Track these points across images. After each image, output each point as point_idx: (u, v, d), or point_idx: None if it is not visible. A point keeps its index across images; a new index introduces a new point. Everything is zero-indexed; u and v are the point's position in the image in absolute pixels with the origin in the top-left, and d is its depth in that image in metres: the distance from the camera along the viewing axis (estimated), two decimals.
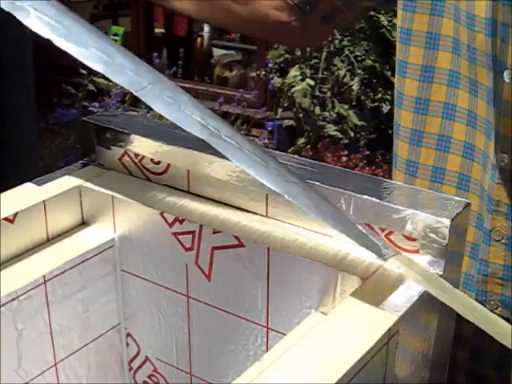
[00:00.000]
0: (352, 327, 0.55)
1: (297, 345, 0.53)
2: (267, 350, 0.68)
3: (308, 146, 3.37)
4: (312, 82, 3.33)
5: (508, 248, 0.77)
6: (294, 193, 0.57)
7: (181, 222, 0.70)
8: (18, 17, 0.55)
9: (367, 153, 3.36)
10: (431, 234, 0.60)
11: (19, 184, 0.75)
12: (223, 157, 0.70)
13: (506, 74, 0.70)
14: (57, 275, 0.70)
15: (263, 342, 0.69)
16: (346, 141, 3.35)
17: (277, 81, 3.47)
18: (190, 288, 0.72)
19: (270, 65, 3.56)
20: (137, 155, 0.76)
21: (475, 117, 0.77)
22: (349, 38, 3.28)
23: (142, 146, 0.75)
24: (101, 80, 3.78)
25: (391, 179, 0.85)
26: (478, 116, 0.76)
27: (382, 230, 0.63)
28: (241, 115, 3.66)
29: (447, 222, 0.59)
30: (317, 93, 3.34)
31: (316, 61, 3.35)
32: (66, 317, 0.73)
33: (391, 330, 0.54)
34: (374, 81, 3.32)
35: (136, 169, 0.77)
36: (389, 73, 3.25)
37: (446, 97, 0.79)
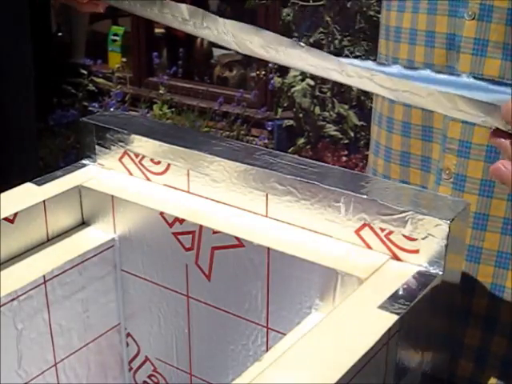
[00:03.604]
0: (352, 327, 0.55)
1: (297, 345, 0.53)
2: (267, 350, 0.68)
3: (308, 146, 3.37)
4: (312, 82, 3.33)
5: (455, 187, 0.78)
6: None
7: (181, 221, 0.70)
8: None
9: (367, 153, 3.36)
10: (431, 234, 0.60)
11: (19, 184, 0.75)
12: (223, 157, 0.71)
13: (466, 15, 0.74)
14: (57, 275, 0.70)
15: (263, 342, 0.69)
16: (346, 141, 3.35)
17: (277, 81, 3.47)
18: (190, 288, 0.72)
19: (269, 65, 3.56)
20: (137, 155, 0.76)
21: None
22: (349, 38, 3.28)
23: (142, 146, 0.75)
24: (101, 80, 3.78)
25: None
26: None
27: (382, 230, 0.63)
28: (241, 115, 3.66)
29: (447, 222, 0.59)
30: (317, 93, 3.34)
31: None
32: (65, 317, 0.73)
33: (391, 329, 0.54)
34: None
35: (136, 169, 0.77)
36: None
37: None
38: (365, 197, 0.63)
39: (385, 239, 0.63)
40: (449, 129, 0.78)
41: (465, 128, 0.76)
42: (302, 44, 0.62)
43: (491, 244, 0.78)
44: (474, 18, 0.73)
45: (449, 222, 0.59)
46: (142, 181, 0.77)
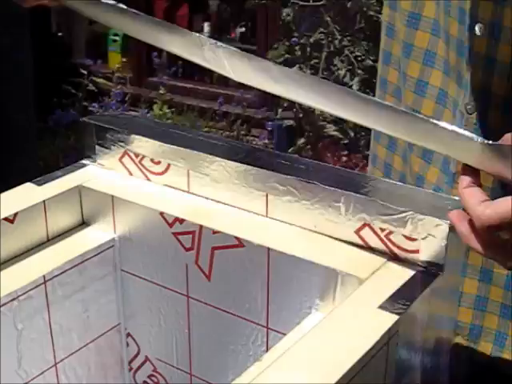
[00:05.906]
0: (352, 327, 0.55)
1: (297, 345, 0.53)
2: (267, 350, 0.68)
3: (308, 146, 3.37)
4: None
5: None
6: None
7: (181, 221, 0.70)
8: None
9: (367, 153, 3.36)
10: (431, 234, 0.60)
11: (19, 184, 0.75)
12: (223, 157, 0.71)
13: (477, 28, 0.73)
14: (57, 275, 0.70)
15: (263, 342, 0.69)
16: (346, 141, 3.35)
17: None
18: (190, 288, 0.72)
19: None
20: (137, 155, 0.76)
21: (448, 65, 0.80)
22: (349, 38, 3.27)
23: (142, 146, 0.75)
24: (101, 80, 3.78)
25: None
26: (451, 65, 0.79)
27: (382, 230, 0.63)
28: (241, 115, 3.66)
29: (447, 222, 0.59)
30: None
31: (316, 61, 3.34)
32: (66, 317, 0.73)
33: (391, 329, 0.54)
34: (374, 81, 3.31)
35: (136, 169, 0.77)
36: None
37: (428, 44, 0.82)
38: (365, 197, 0.63)
39: (385, 239, 0.63)
40: None
41: None
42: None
43: None
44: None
45: (449, 221, 0.59)
46: (142, 181, 0.77)
